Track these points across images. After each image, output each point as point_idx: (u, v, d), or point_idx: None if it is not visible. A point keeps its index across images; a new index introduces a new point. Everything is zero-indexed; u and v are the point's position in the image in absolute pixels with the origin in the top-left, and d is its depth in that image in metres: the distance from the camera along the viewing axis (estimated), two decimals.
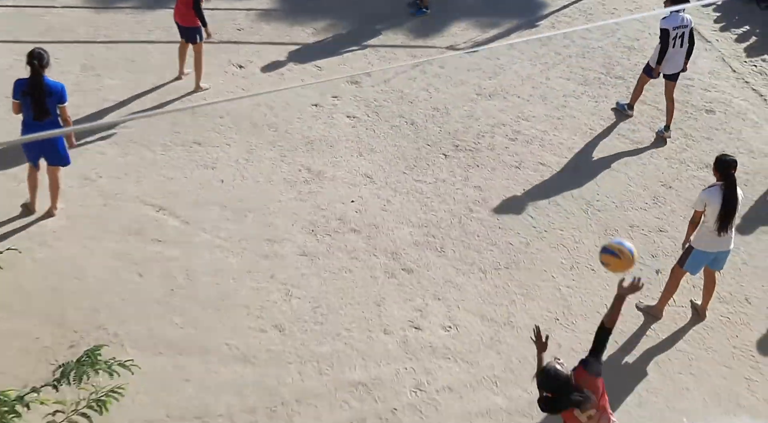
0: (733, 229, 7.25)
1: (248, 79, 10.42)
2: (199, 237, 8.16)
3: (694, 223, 7.25)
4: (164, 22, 11.00)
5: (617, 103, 10.39)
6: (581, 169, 9.43)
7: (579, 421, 5.21)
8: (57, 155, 7.95)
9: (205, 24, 9.69)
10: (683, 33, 9.44)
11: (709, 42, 11.97)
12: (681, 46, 9.50)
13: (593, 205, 8.94)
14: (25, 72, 7.70)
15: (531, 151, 9.65)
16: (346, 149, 9.47)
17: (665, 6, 9.32)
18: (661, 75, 9.74)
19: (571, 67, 11.22)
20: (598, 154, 9.68)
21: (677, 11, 9.19)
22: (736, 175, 7.07)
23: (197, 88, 10.03)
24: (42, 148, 7.89)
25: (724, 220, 7.08)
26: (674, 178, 9.41)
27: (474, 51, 11.39)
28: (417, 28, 11.88)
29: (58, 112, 7.70)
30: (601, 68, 11.17)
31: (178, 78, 10.23)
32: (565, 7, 12.67)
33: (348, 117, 9.96)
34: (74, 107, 9.52)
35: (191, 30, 9.75)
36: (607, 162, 9.56)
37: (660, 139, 9.94)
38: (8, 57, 10.16)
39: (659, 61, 9.54)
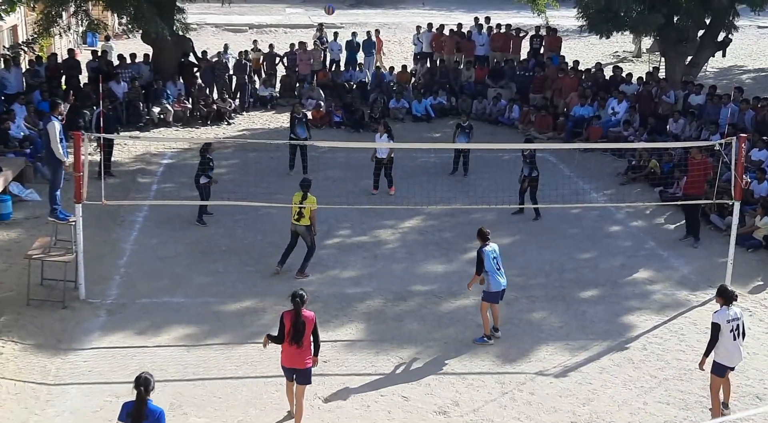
0: None
1: (333, 413, 10.20)
2: None
3: None
4: (252, 357, 11.16)
5: None
6: None
7: None
8: None
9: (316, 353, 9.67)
10: (738, 325, 9.71)
11: None
12: (735, 338, 9.70)
13: None
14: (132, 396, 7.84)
15: None
16: None
17: (718, 303, 9.79)
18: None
19: (669, 390, 10.71)
20: None
21: (728, 305, 9.68)
22: None
23: None
24: None
25: None
26: None
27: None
28: (503, 352, 11.69)
29: None
30: (702, 391, 10.60)
31: None
32: (655, 327, 12.41)
33: None
34: None
35: (308, 371, 9.62)
36: None
37: None
38: (99, 398, 10.25)
39: (706, 354, 9.77)
